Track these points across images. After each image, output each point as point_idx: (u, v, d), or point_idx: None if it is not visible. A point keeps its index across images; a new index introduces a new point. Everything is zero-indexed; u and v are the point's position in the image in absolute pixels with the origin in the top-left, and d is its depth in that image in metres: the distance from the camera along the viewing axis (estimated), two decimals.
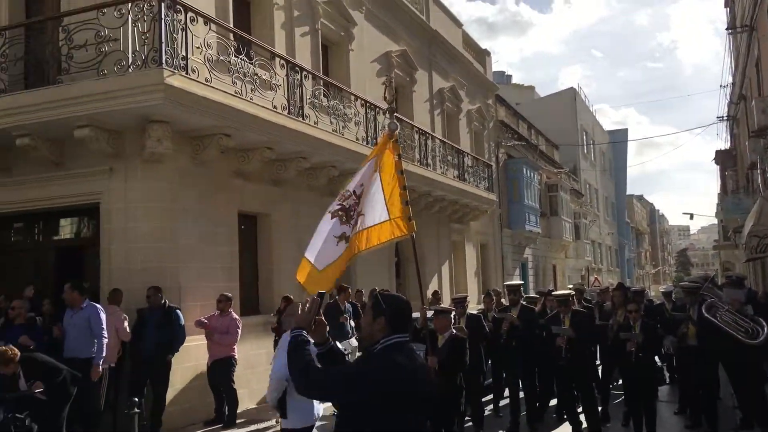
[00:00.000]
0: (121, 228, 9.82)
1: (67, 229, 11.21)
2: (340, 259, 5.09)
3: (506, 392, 10.14)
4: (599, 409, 9.52)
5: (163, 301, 9.27)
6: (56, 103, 9.04)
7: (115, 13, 8.93)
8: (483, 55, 25.76)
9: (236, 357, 10.03)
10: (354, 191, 5.37)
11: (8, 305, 9.27)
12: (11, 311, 8.63)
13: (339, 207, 5.30)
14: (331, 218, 5.27)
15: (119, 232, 9.83)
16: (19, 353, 6.67)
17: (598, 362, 10.75)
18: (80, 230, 11.08)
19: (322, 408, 5.66)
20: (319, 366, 3.37)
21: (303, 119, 11.62)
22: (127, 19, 8.88)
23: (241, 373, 10.34)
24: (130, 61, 8.85)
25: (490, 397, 10.83)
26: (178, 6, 9.12)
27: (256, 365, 11.00)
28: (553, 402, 10.17)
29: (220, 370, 9.86)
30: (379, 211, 5.24)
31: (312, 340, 3.58)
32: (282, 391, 5.31)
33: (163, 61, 8.68)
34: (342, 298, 11.47)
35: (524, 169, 27.00)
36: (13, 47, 9.86)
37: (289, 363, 3.37)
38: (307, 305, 3.67)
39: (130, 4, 8.91)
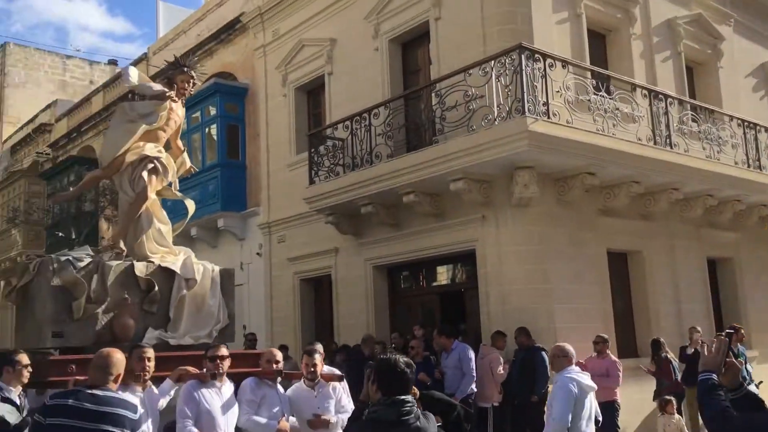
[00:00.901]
0: (496, 271, 10.32)
1: (444, 274, 12.22)
2: None
3: None
4: None
5: (531, 342, 9.44)
6: (434, 161, 10.04)
7: (479, 72, 9.65)
8: None
9: (619, 401, 9.63)
10: None
11: (401, 342, 10.43)
12: (411, 350, 9.64)
13: None
14: None
15: (494, 276, 10.34)
16: (418, 392, 7.38)
17: None
18: (456, 275, 11.96)
19: None
20: (735, 413, 3.05)
21: (671, 148, 10.96)
22: (491, 75, 9.51)
23: (625, 418, 9.88)
24: (496, 114, 9.43)
25: None
26: (537, 55, 9.49)
27: (641, 410, 10.45)
28: None
29: (603, 415, 9.56)
30: None
31: (723, 384, 3.27)
32: None
33: (526, 110, 9.06)
34: (735, 339, 10.25)
35: None
36: (396, 117, 11.28)
37: (701, 409, 3.11)
38: (714, 346, 3.38)
39: (493, 62, 9.54)
